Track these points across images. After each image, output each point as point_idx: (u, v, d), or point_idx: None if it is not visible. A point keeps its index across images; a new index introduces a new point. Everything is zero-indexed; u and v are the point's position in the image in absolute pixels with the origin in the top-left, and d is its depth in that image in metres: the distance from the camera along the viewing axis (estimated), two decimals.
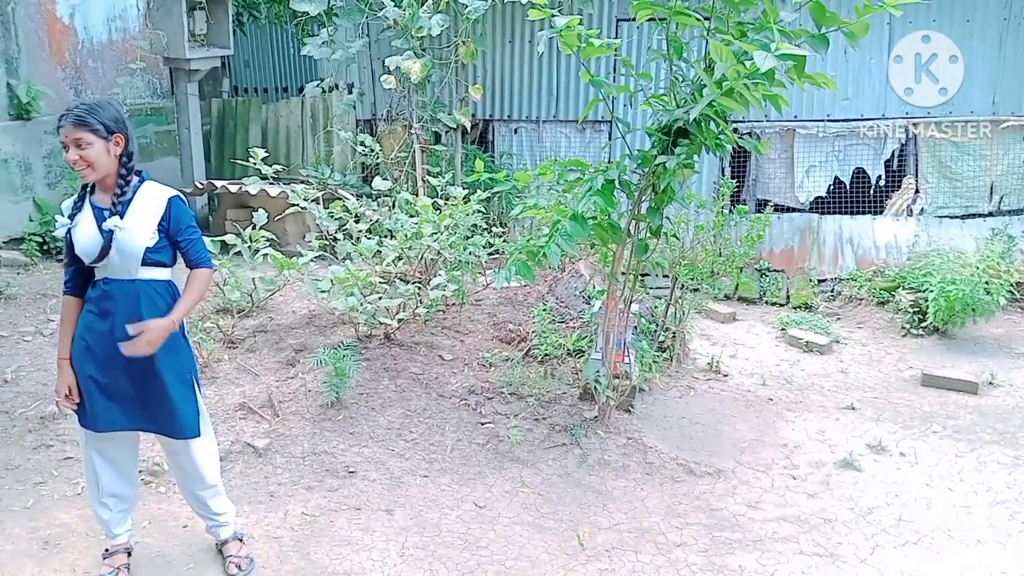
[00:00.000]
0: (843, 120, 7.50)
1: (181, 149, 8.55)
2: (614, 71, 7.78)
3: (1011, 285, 6.25)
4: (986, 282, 6.13)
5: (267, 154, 5.93)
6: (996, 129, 7.39)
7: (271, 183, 6.30)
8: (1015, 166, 7.53)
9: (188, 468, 3.11)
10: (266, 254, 5.12)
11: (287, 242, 6.69)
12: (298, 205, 5.51)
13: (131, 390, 2.89)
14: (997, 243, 6.83)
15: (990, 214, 7.55)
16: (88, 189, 2.89)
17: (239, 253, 5.22)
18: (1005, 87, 7.32)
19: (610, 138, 8.03)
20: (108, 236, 2.78)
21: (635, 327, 5.35)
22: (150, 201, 2.88)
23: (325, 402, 4.39)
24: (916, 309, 6.35)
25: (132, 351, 2.75)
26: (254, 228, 5.20)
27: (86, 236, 2.81)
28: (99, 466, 3.04)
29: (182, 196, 2.98)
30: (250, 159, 5.86)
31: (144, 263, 2.84)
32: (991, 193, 7.59)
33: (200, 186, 7.72)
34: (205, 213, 8.28)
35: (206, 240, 4.79)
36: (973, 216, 7.50)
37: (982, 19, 7.24)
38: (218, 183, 7.61)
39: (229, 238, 5.16)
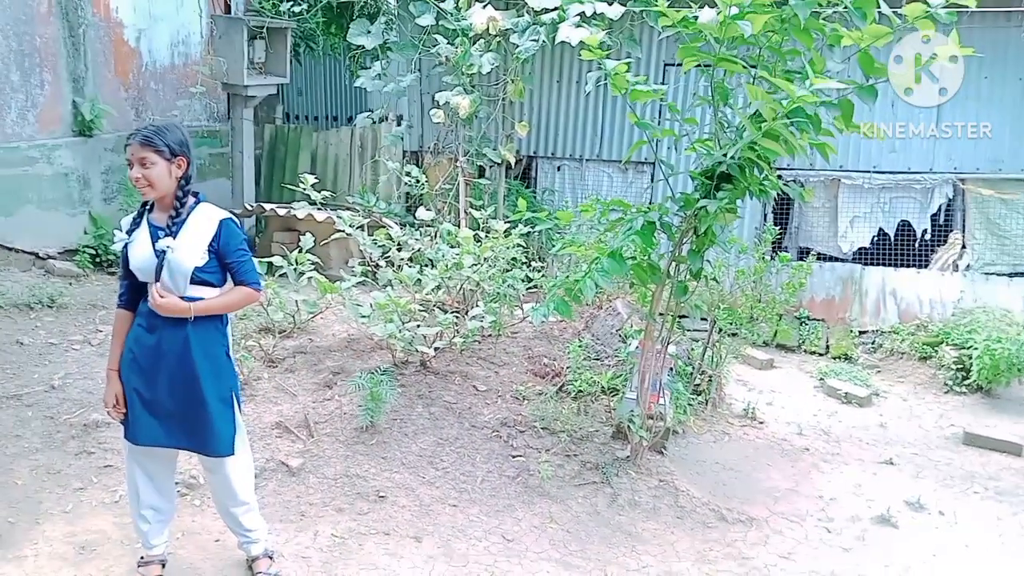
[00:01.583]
0: (889, 172, 7.45)
1: (233, 172, 8.80)
2: (659, 114, 7.86)
3: None
4: None
5: (316, 180, 6.07)
6: None
7: (318, 208, 6.44)
8: None
9: (222, 484, 3.16)
10: (310, 277, 5.23)
11: (330, 267, 6.82)
12: (343, 231, 5.62)
13: (172, 406, 2.96)
14: None
15: None
16: (147, 207, 3.01)
17: (284, 275, 5.33)
18: None
19: (653, 180, 8.07)
20: (161, 256, 2.88)
21: (671, 369, 5.32)
22: (203, 222, 2.97)
23: (359, 425, 4.43)
24: (959, 366, 6.23)
25: (152, 303, 2.88)
26: (300, 251, 5.32)
27: (141, 254, 2.92)
28: (140, 479, 3.11)
29: (234, 218, 3.07)
30: (299, 184, 6.00)
31: (193, 281, 2.92)
32: None
33: (250, 208, 7.92)
34: (253, 235, 8.48)
35: (255, 260, 4.93)
36: (1021, 275, 7.36)
37: None
38: (267, 206, 7.80)
39: (275, 260, 5.28)
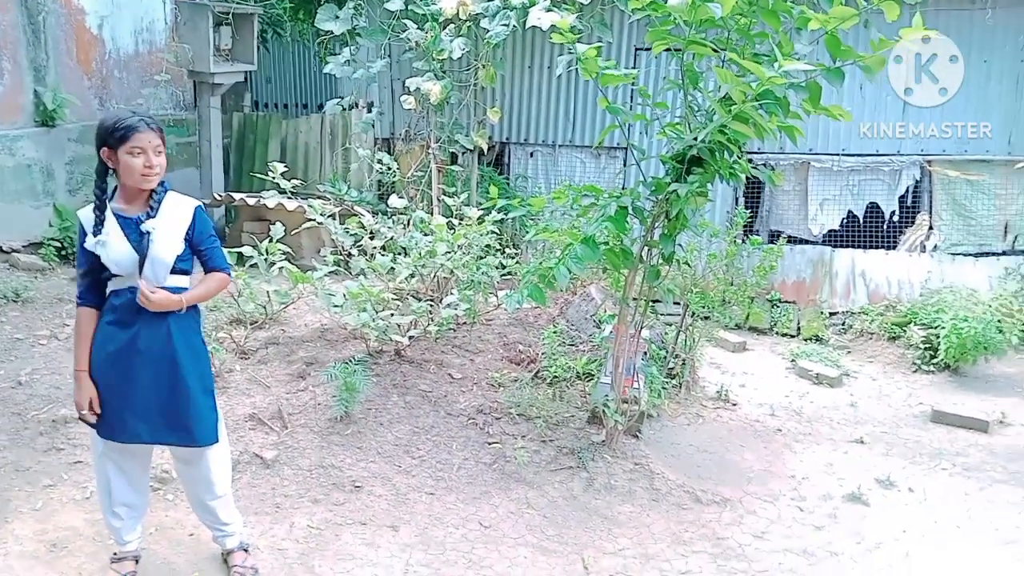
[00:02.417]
0: (858, 155, 7.53)
1: (201, 161, 8.67)
2: (631, 99, 7.85)
3: None
4: (999, 321, 6.13)
5: (286, 169, 6.00)
6: (1011, 169, 7.40)
7: (288, 197, 6.37)
8: None
9: (202, 476, 3.12)
10: (281, 267, 5.17)
11: (302, 256, 6.75)
12: (315, 220, 5.56)
13: (154, 399, 2.90)
14: (1011, 282, 6.83)
15: (1004, 253, 7.54)
16: (105, 199, 2.90)
17: (255, 265, 5.27)
18: (1021, 127, 7.34)
19: (625, 164, 8.08)
20: (145, 242, 2.81)
21: (645, 353, 5.35)
22: (177, 210, 2.93)
23: (334, 416, 4.41)
24: (928, 345, 6.34)
25: (140, 300, 2.81)
26: (271, 241, 5.26)
27: (119, 249, 2.82)
28: (113, 476, 3.06)
29: (203, 206, 3.03)
30: (269, 173, 5.93)
31: (171, 271, 2.88)
32: (1005, 232, 7.59)
33: (219, 198, 7.82)
34: (223, 225, 8.37)
35: (224, 250, 4.86)
36: (987, 254, 7.49)
37: (999, 60, 7.28)
38: (236, 195, 7.70)
39: (246, 250, 5.21)
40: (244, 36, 8.42)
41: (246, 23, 8.38)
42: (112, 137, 2.80)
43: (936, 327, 6.26)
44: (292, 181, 5.95)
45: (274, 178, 5.85)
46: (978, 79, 7.30)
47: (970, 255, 7.46)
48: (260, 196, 7.08)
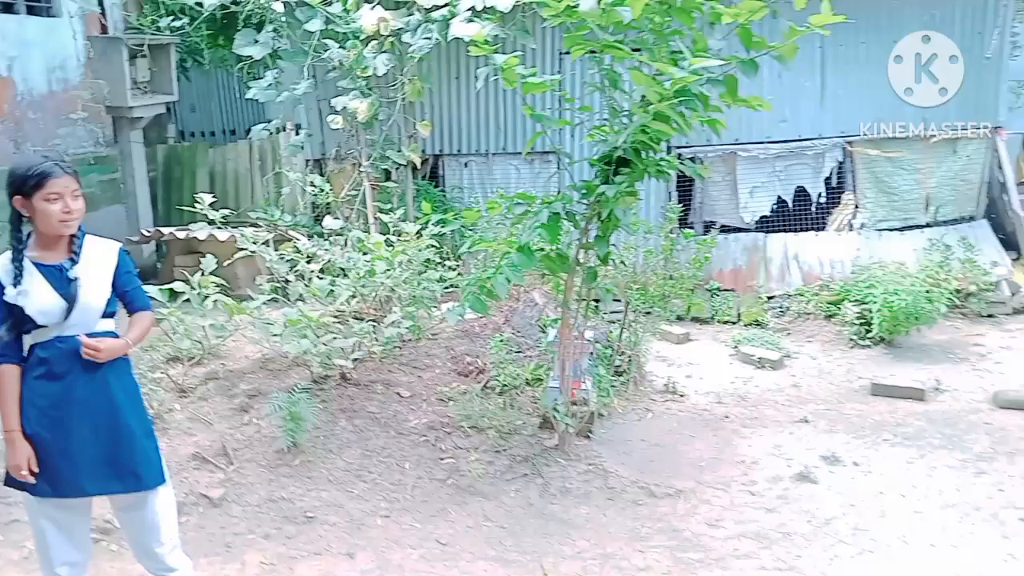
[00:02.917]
0: (782, 141, 7.73)
1: (127, 197, 8.44)
2: (560, 104, 7.92)
3: (950, 293, 6.49)
4: (927, 291, 6.35)
5: (215, 198, 5.88)
6: (927, 144, 7.69)
7: (219, 227, 6.24)
8: (947, 178, 7.84)
9: (147, 522, 3.02)
10: (216, 300, 5.06)
11: (239, 287, 6.61)
12: (246, 249, 5.46)
13: (97, 449, 2.80)
14: (935, 253, 7.09)
15: (927, 225, 7.83)
16: (23, 248, 2.80)
17: (188, 300, 5.15)
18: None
19: (559, 168, 8.15)
20: (73, 289, 2.73)
21: (591, 353, 5.40)
22: (101, 254, 2.86)
23: (281, 447, 4.33)
24: (862, 321, 6.54)
25: (86, 353, 2.71)
26: (203, 274, 5.15)
27: (44, 299, 2.72)
28: (51, 535, 2.93)
29: (124, 247, 2.97)
30: (197, 204, 5.80)
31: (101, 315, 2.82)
32: (927, 205, 7.89)
33: (147, 234, 7.63)
34: (153, 261, 8.17)
35: (154, 288, 4.75)
36: (911, 228, 7.77)
37: (907, 41, 7.56)
38: (165, 230, 7.52)
39: (178, 285, 5.09)
40: (162, 67, 8.26)
41: (163, 54, 8.21)
42: (26, 185, 2.70)
43: (868, 302, 6.46)
44: (222, 211, 5.83)
45: (201, 209, 5.73)
46: (889, 59, 7.58)
47: (896, 230, 7.73)
48: (189, 229, 6.91)
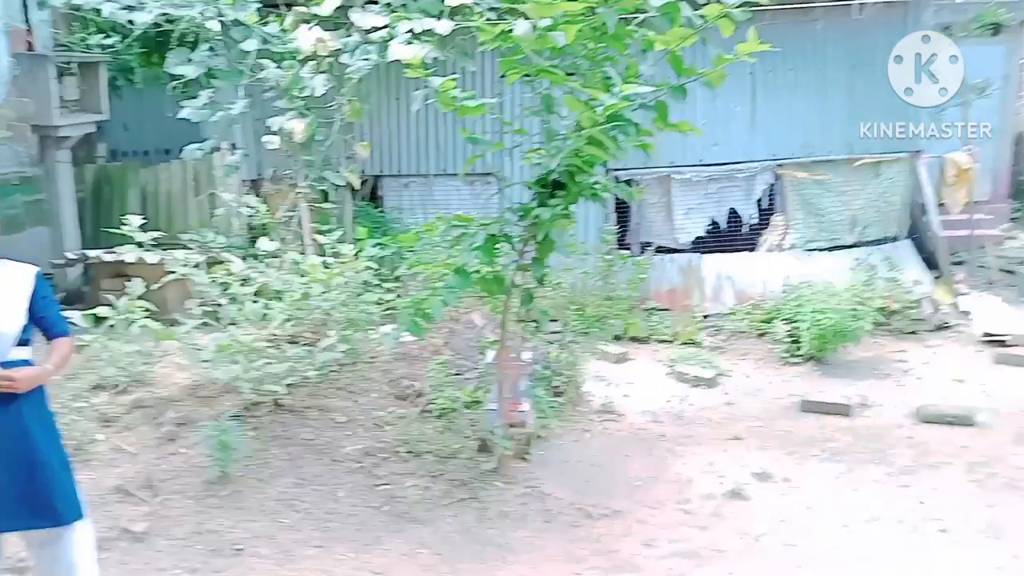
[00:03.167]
0: (715, 165, 7.93)
1: (52, 219, 8.14)
2: (501, 127, 7.97)
3: (875, 311, 6.72)
4: (853, 309, 6.57)
5: (146, 220, 5.73)
6: (851, 167, 7.99)
7: (149, 250, 6.07)
8: (872, 200, 8.15)
9: (63, 559, 2.92)
10: (143, 325, 4.92)
11: (169, 311, 6.43)
12: (176, 272, 5.33)
13: (11, 484, 2.73)
14: (861, 272, 7.32)
15: (854, 245, 8.11)
16: None
17: (114, 326, 5.00)
18: (856, 129, 7.94)
19: (499, 190, 8.18)
20: None
21: (530, 375, 5.42)
22: (15, 279, 2.78)
23: (209, 478, 4.22)
24: (792, 339, 6.71)
25: (5, 386, 2.64)
26: (129, 298, 5.00)
27: None
28: None
29: (41, 271, 2.88)
30: (123, 227, 5.64)
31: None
32: (853, 226, 8.17)
33: (72, 257, 7.37)
34: (79, 285, 7.89)
35: (78, 314, 4.60)
36: (838, 248, 8.03)
37: (833, 68, 7.87)
38: (91, 253, 7.28)
39: (103, 310, 4.93)
40: (91, 85, 8.03)
41: (92, 72, 8.00)
42: None
43: (798, 321, 6.64)
44: (153, 232, 5.68)
45: (130, 232, 5.57)
46: (815, 85, 7.86)
47: (824, 250, 7.98)
48: (117, 252, 6.71)
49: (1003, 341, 6.85)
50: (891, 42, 7.81)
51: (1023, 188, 12.17)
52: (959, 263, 8.84)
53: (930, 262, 8.12)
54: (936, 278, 8.01)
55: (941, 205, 8.57)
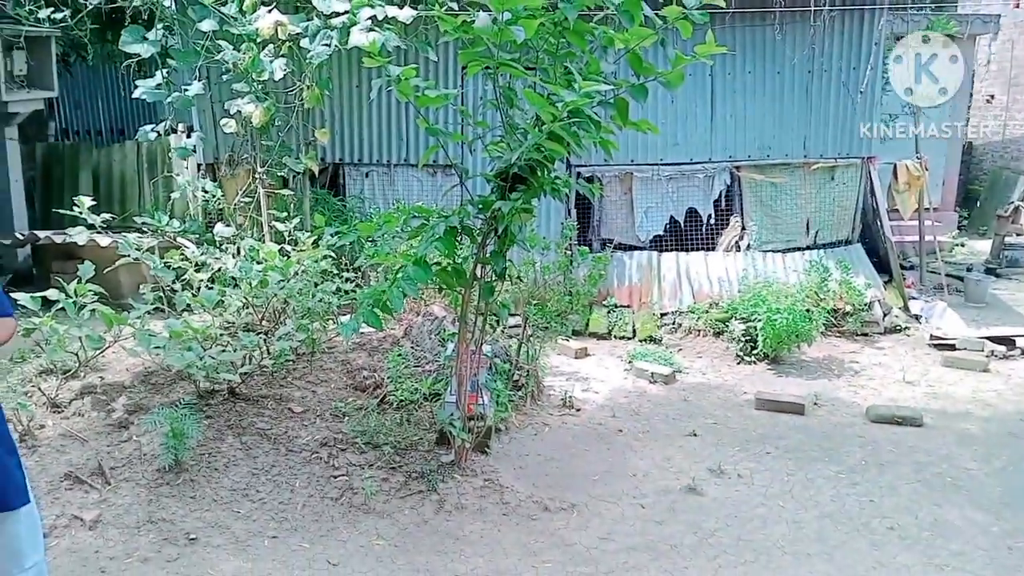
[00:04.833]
0: (675, 164, 8.01)
1: None
2: (462, 118, 7.93)
3: (828, 312, 6.87)
4: (807, 310, 6.71)
5: (96, 201, 5.56)
6: (808, 171, 8.15)
7: (101, 232, 5.90)
8: (826, 203, 8.33)
9: (7, 545, 2.83)
10: (93, 309, 4.77)
11: (121, 295, 6.27)
12: (129, 255, 5.19)
13: None
14: (815, 274, 7.49)
15: (808, 247, 8.28)
16: None
17: (64, 309, 4.84)
18: (813, 133, 8.11)
19: (462, 182, 8.14)
20: None
21: (489, 368, 5.41)
22: None
23: (162, 466, 4.12)
24: (748, 337, 6.83)
25: None
26: (79, 281, 4.85)
27: None
28: None
29: None
30: (74, 208, 5.47)
31: None
32: (808, 228, 8.35)
33: (21, 237, 7.13)
34: (28, 266, 7.64)
35: (26, 296, 4.44)
36: (794, 250, 8.19)
37: (790, 73, 8.00)
38: (41, 233, 7.05)
39: (51, 292, 4.77)
40: (41, 60, 7.75)
41: (42, 47, 7.72)
42: None
43: (754, 320, 6.76)
44: (104, 214, 5.52)
45: (81, 213, 5.40)
46: (773, 89, 7.99)
47: (779, 251, 8.13)
48: (67, 233, 6.50)
49: (951, 345, 7.08)
50: (847, 49, 8.00)
51: (972, 196, 12.63)
52: (909, 268, 9.13)
53: (881, 266, 8.35)
54: (887, 282, 8.24)
55: (893, 211, 8.82)
